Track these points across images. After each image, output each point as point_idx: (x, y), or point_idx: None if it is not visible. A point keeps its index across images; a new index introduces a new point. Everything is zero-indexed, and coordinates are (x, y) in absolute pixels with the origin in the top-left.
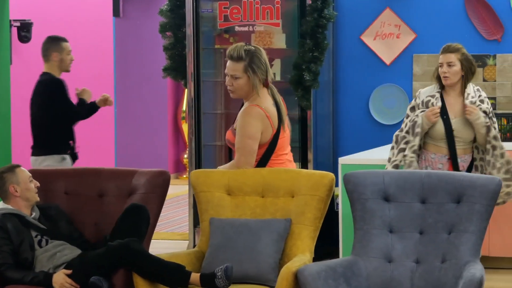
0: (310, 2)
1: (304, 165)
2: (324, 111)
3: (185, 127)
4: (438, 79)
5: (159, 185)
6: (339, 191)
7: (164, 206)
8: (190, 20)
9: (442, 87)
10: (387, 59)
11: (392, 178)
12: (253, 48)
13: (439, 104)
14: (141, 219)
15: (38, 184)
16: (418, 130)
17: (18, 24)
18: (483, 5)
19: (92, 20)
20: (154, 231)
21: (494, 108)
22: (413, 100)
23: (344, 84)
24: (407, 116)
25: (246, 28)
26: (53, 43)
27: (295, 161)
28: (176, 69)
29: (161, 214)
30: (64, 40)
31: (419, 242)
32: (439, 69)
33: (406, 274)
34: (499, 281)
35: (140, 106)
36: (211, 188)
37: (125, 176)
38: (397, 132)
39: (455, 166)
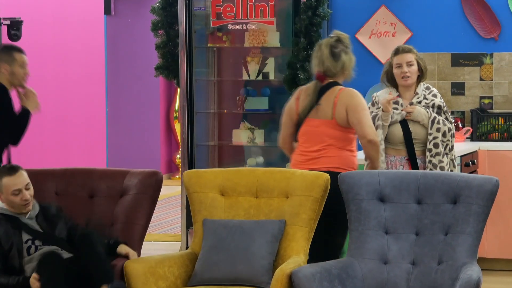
0: (305, 0)
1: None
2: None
3: (177, 126)
4: (392, 81)
5: (151, 186)
6: None
7: (156, 207)
8: (182, 18)
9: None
10: (383, 57)
11: (388, 178)
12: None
13: (403, 114)
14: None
15: (30, 194)
16: (379, 123)
17: (8, 22)
18: (480, 3)
19: (83, 18)
20: (146, 233)
21: (491, 108)
22: (370, 104)
23: None
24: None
25: (239, 26)
26: (4, 53)
27: (288, 161)
28: (168, 68)
29: (153, 215)
30: (18, 50)
31: (415, 243)
32: (397, 69)
33: (402, 276)
34: (496, 283)
35: (132, 106)
36: (204, 189)
37: (116, 177)
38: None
39: (414, 167)
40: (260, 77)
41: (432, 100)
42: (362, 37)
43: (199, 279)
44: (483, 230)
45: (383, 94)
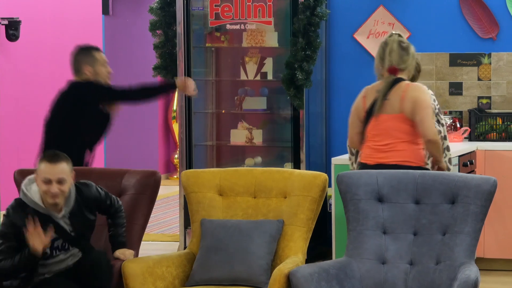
0: (303, 0)
1: (296, 165)
2: (316, 110)
3: (175, 126)
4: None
5: (150, 186)
6: (332, 191)
7: (154, 207)
8: (180, 18)
9: None
10: None
11: (386, 178)
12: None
13: None
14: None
15: (62, 189)
16: None
17: (6, 22)
18: (478, 3)
19: (81, 18)
20: (144, 233)
21: (489, 108)
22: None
23: (337, 83)
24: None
25: (237, 27)
26: (84, 54)
27: (286, 161)
28: (166, 67)
29: (151, 215)
30: (96, 49)
31: (413, 243)
32: None
33: (399, 276)
34: (494, 283)
35: (130, 106)
36: (202, 189)
37: (115, 177)
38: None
39: None
40: (258, 77)
41: None
42: (360, 37)
43: (197, 279)
44: (481, 230)
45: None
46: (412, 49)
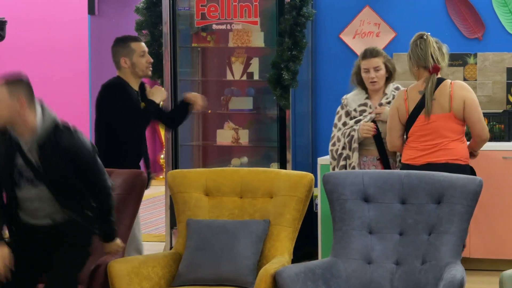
0: (289, 0)
1: (282, 165)
2: (303, 110)
3: (161, 127)
4: (361, 83)
5: (136, 186)
6: (318, 191)
7: (140, 207)
8: (166, 18)
9: (366, 91)
10: None
11: (372, 178)
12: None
13: (373, 116)
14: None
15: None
16: (355, 145)
17: None
18: (464, 3)
19: (67, 18)
20: (131, 233)
21: None
22: (339, 108)
23: (323, 83)
24: (335, 126)
25: (223, 27)
26: (121, 46)
27: (273, 161)
28: (152, 67)
29: (137, 216)
30: (134, 39)
31: (399, 243)
32: (364, 74)
33: (385, 276)
34: (480, 283)
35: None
36: (188, 189)
37: None
38: (331, 147)
39: (386, 166)
40: (244, 77)
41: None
42: (346, 37)
43: (183, 279)
44: (467, 230)
45: (353, 96)
46: (444, 48)
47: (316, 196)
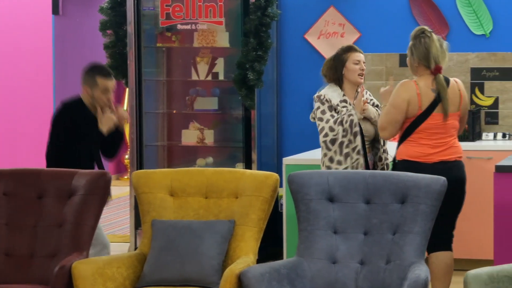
0: (254, 0)
1: (248, 165)
2: (268, 110)
3: (126, 127)
4: (338, 80)
5: (100, 186)
6: (283, 191)
7: (105, 208)
8: (131, 18)
9: (341, 88)
10: None
11: (337, 178)
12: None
13: (351, 109)
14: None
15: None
16: (356, 129)
17: None
18: (428, 4)
19: (30, 18)
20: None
21: None
22: (319, 104)
23: (288, 83)
24: (321, 119)
25: (188, 27)
26: (87, 74)
27: (238, 161)
28: (117, 67)
29: (101, 216)
30: (102, 75)
31: (363, 243)
32: (354, 66)
33: (350, 275)
34: None
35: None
36: (153, 189)
37: (65, 177)
38: (323, 138)
39: (365, 164)
40: (209, 77)
41: (371, 99)
42: (311, 37)
43: (148, 280)
44: (431, 229)
45: (331, 92)
46: (445, 46)
47: (281, 196)
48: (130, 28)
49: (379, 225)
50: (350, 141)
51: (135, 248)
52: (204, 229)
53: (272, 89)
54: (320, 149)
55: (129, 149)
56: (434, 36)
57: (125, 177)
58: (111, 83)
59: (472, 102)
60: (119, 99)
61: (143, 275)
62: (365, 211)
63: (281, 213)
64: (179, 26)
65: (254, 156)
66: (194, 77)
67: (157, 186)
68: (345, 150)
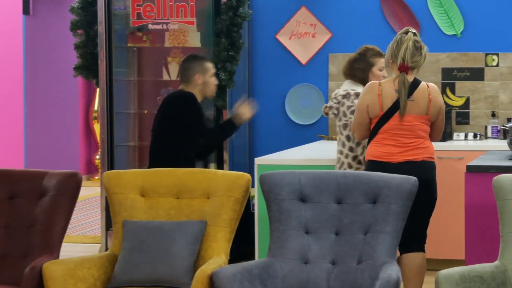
0: (225, 0)
1: (219, 165)
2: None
3: (97, 127)
4: (363, 82)
5: (71, 187)
6: (255, 191)
7: (75, 209)
8: (102, 17)
9: None
10: (303, 58)
11: (308, 178)
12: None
13: None
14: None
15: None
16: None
17: None
18: (399, 4)
19: (0, 18)
20: (65, 234)
21: None
22: (347, 101)
23: (260, 83)
24: (345, 114)
25: (160, 26)
26: (196, 63)
27: (210, 161)
28: (87, 68)
29: (72, 217)
30: (208, 59)
31: (335, 243)
32: (379, 72)
33: (322, 276)
34: None
35: (51, 106)
36: (124, 190)
37: (35, 178)
38: (348, 132)
39: None
40: None
41: None
42: (282, 37)
43: (118, 281)
44: (402, 229)
45: (357, 88)
46: (424, 50)
47: (253, 197)
48: (101, 28)
49: (350, 225)
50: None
51: (106, 249)
52: (176, 230)
53: (243, 89)
54: (291, 149)
55: (100, 150)
56: (411, 37)
57: (96, 177)
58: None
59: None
60: (90, 99)
61: (114, 276)
62: (336, 211)
63: (253, 213)
64: (150, 26)
65: (226, 156)
66: (165, 77)
67: (128, 187)
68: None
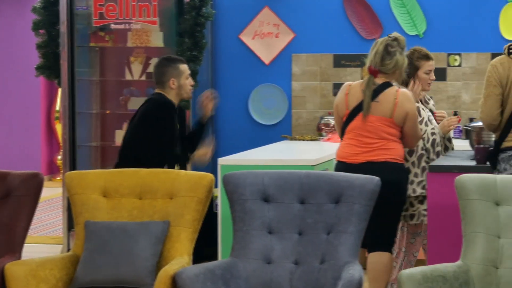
0: (188, 0)
1: (182, 166)
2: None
3: (58, 127)
4: (405, 83)
5: (33, 187)
6: (219, 192)
7: (37, 209)
8: (64, 17)
9: None
10: (266, 58)
11: (272, 178)
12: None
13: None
14: None
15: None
16: (438, 148)
17: None
18: (362, 4)
19: None
20: (27, 235)
21: None
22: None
23: (224, 83)
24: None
25: (122, 26)
26: (169, 67)
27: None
28: (49, 67)
29: (34, 217)
30: (182, 61)
31: (298, 243)
32: (425, 76)
33: (285, 276)
34: None
35: (12, 106)
36: (86, 190)
37: None
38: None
39: None
40: (143, 77)
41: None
42: (245, 37)
43: (81, 282)
44: (365, 229)
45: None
46: (399, 56)
47: (216, 197)
48: (63, 28)
49: (313, 225)
50: (429, 158)
51: (68, 250)
52: (138, 230)
53: (206, 89)
54: (255, 149)
55: (61, 150)
56: (384, 40)
57: (58, 178)
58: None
59: None
60: (52, 99)
61: (76, 277)
62: (299, 211)
63: (216, 214)
64: (112, 26)
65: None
66: (128, 77)
67: (90, 187)
68: (422, 164)
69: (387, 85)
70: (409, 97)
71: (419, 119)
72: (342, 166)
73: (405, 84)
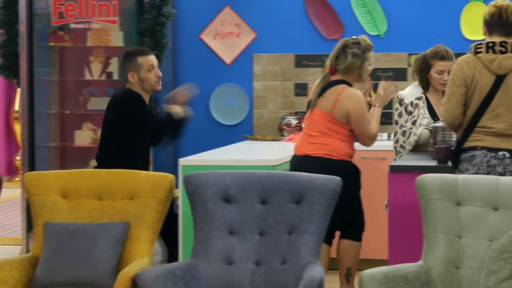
0: None
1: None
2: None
3: (17, 127)
4: (423, 82)
5: None
6: (179, 192)
7: None
8: (23, 17)
9: (425, 89)
10: (227, 58)
11: (233, 178)
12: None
13: (425, 109)
14: None
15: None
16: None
17: None
18: (323, 4)
19: None
20: None
21: None
22: (398, 105)
23: (184, 83)
24: (397, 123)
25: (82, 26)
26: (127, 61)
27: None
28: (8, 67)
29: None
30: (141, 53)
31: (259, 243)
32: (436, 75)
33: (246, 276)
34: (338, 282)
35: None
36: (45, 191)
37: None
38: (394, 144)
39: None
40: (103, 77)
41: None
42: (206, 37)
43: (40, 283)
44: (326, 229)
45: (409, 90)
46: (352, 58)
47: (177, 197)
48: (22, 27)
49: (275, 225)
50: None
51: (27, 251)
52: (98, 232)
53: (168, 89)
54: (216, 149)
55: (20, 150)
56: (344, 41)
57: (17, 178)
58: (154, 58)
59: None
60: (10, 99)
61: (35, 278)
62: (261, 211)
63: (177, 215)
64: (72, 25)
65: (150, 157)
66: (88, 77)
67: (49, 188)
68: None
69: (338, 82)
70: (352, 96)
71: (397, 119)
72: (292, 157)
73: (421, 83)
